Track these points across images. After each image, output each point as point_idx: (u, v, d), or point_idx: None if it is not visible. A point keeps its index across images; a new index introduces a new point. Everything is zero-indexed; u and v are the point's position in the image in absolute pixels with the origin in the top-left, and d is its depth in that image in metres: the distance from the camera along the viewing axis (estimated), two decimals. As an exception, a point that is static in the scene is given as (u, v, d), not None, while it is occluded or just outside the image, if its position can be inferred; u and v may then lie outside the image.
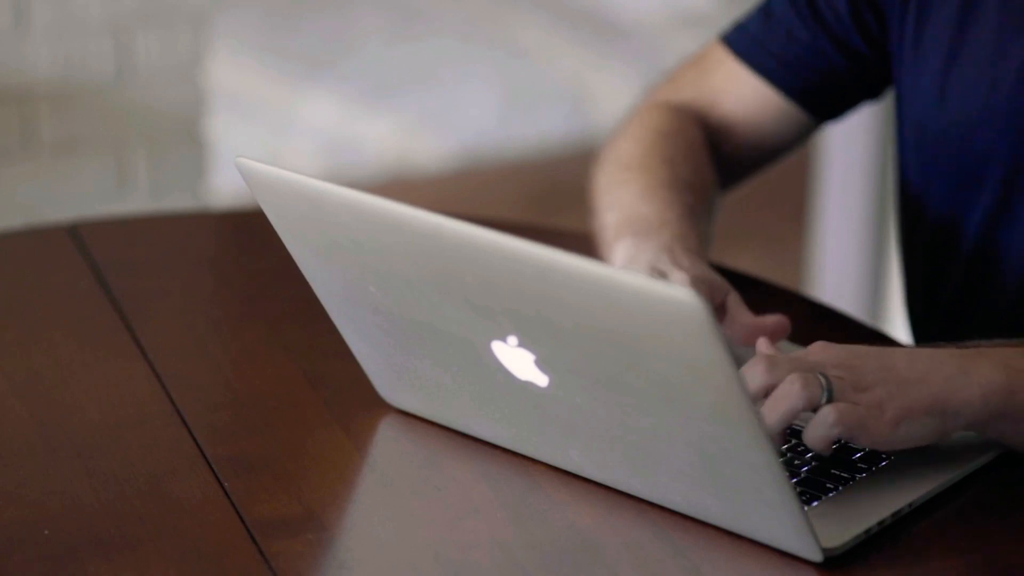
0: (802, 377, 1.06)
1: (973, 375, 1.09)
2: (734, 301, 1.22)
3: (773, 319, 1.21)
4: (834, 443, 1.08)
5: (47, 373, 1.28)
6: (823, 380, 1.07)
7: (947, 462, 1.11)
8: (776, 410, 1.06)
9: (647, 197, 1.33)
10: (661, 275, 1.21)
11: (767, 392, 1.07)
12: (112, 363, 1.29)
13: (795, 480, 1.09)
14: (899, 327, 2.58)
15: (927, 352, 1.11)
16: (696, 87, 1.48)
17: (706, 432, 1.00)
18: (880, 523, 1.06)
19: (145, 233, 1.60)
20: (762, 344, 1.14)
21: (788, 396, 1.06)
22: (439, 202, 3.41)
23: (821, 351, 1.10)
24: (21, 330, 1.36)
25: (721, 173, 1.46)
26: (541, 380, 1.06)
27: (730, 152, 1.47)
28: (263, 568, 1.04)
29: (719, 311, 1.22)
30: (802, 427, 1.12)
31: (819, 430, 1.06)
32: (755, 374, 1.08)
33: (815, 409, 1.07)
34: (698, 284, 1.19)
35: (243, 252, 1.57)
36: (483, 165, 3.95)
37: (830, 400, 1.06)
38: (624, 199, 1.34)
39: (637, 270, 1.22)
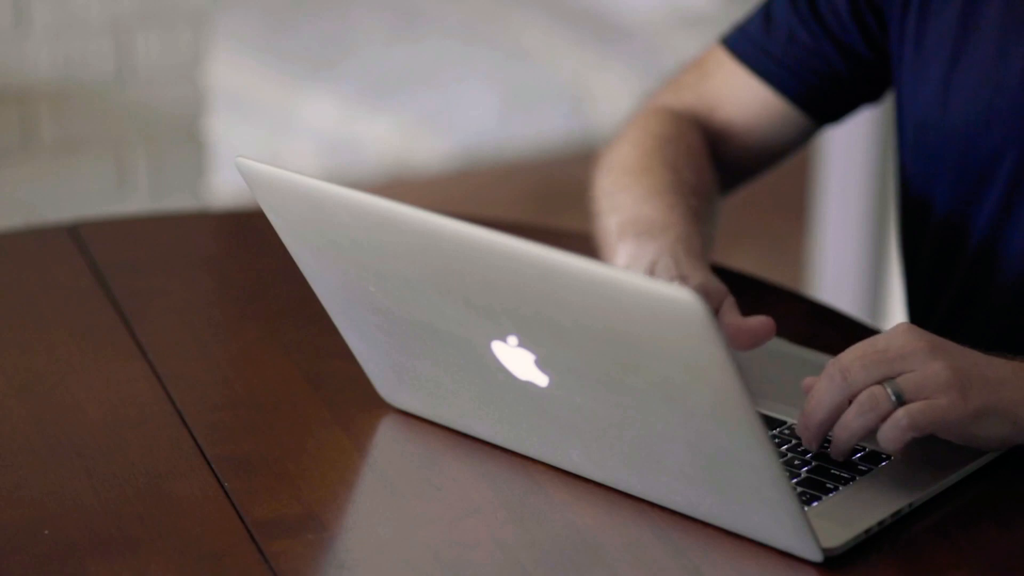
0: (872, 396, 1.07)
1: None
2: (728, 305, 1.22)
3: (757, 320, 1.20)
4: (906, 444, 1.09)
5: (47, 373, 1.28)
6: (890, 391, 1.07)
7: (947, 462, 1.11)
8: (846, 431, 1.08)
9: (650, 200, 1.33)
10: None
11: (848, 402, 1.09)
12: (112, 363, 1.29)
13: (795, 480, 1.09)
14: (899, 327, 2.57)
15: (1004, 360, 1.12)
16: (696, 91, 1.48)
17: (706, 432, 1.00)
18: (880, 523, 1.06)
19: (145, 233, 1.60)
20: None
21: (857, 415, 1.08)
22: (439, 202, 3.42)
23: (904, 333, 1.10)
24: (21, 330, 1.36)
25: (722, 177, 1.46)
26: (541, 380, 1.06)
27: (731, 156, 1.47)
28: (263, 568, 1.04)
29: None
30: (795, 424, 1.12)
31: (892, 432, 1.07)
32: (833, 389, 1.08)
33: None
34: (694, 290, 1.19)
35: (243, 252, 1.57)
36: (483, 165, 3.95)
37: (900, 403, 1.07)
38: (627, 202, 1.34)
39: (637, 271, 1.22)
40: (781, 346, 1.26)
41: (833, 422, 1.09)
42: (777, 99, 1.45)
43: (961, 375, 1.08)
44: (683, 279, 1.21)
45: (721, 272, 1.36)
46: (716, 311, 1.21)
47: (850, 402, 1.09)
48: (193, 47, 2.57)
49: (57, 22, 2.48)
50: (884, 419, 1.07)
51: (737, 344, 1.19)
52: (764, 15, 1.45)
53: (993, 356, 1.12)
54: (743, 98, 1.46)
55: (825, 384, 1.09)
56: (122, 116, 2.56)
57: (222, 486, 1.12)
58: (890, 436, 1.07)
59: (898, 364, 1.08)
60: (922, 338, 1.10)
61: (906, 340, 1.09)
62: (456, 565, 1.05)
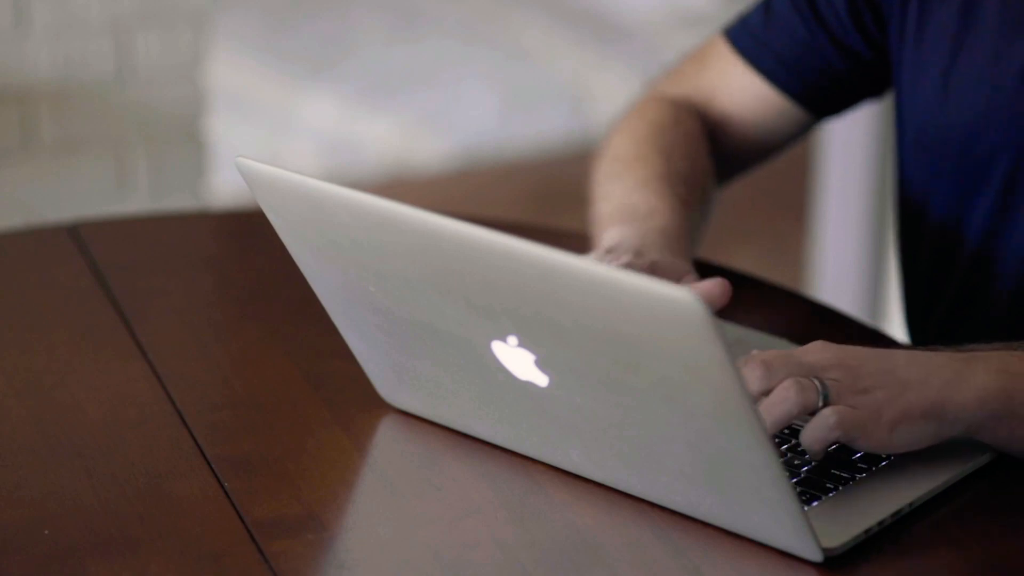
0: (798, 382, 1.06)
1: (970, 379, 1.09)
2: (687, 281, 1.20)
3: (710, 282, 1.17)
4: (829, 446, 1.08)
5: (47, 373, 1.27)
6: (819, 384, 1.06)
7: (947, 462, 1.11)
8: (771, 415, 1.06)
9: (639, 189, 1.33)
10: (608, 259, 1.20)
11: (764, 395, 1.07)
12: (112, 363, 1.29)
13: (795, 480, 1.09)
14: (899, 327, 2.58)
15: (925, 355, 1.10)
16: (696, 81, 1.48)
17: (706, 432, 1.00)
18: (880, 523, 1.06)
19: (145, 233, 1.60)
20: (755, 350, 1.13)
21: (784, 401, 1.06)
22: (439, 202, 3.42)
23: (819, 351, 1.09)
24: (21, 330, 1.36)
25: (720, 167, 1.46)
26: (541, 380, 1.06)
27: (729, 146, 1.47)
28: (263, 568, 1.04)
29: None
30: (801, 427, 1.12)
31: (818, 431, 1.06)
32: (752, 379, 1.07)
33: (812, 413, 1.07)
34: (640, 266, 1.18)
35: (243, 252, 1.57)
36: (483, 165, 3.95)
37: (826, 404, 1.06)
38: (616, 190, 1.35)
39: (596, 259, 1.21)
40: (781, 346, 1.26)
41: None
42: (775, 94, 1.45)
43: (875, 391, 1.07)
44: (638, 258, 1.19)
45: (722, 272, 1.36)
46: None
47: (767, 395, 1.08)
48: (193, 47, 2.57)
49: (57, 22, 2.48)
50: (808, 409, 1.06)
51: None
52: (765, 9, 1.45)
53: (918, 351, 1.11)
54: (741, 91, 1.46)
55: (745, 375, 1.07)
56: (122, 116, 2.56)
57: (222, 486, 1.12)
58: (816, 435, 1.06)
59: (816, 375, 1.08)
60: (836, 353, 1.08)
61: (822, 355, 1.08)
62: (456, 565, 1.05)
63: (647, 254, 1.22)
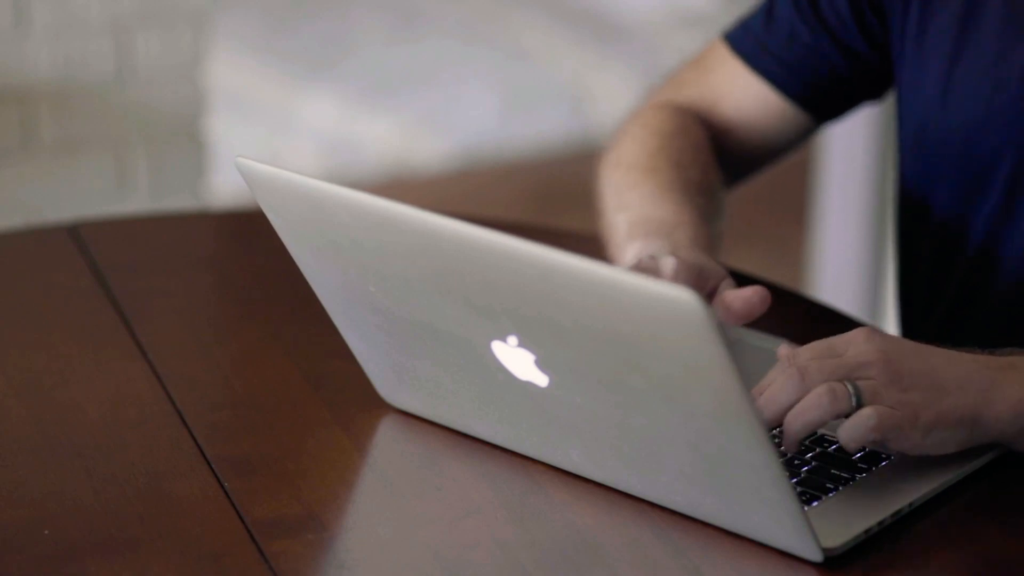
0: (831, 389, 1.06)
1: (1005, 390, 1.09)
2: (725, 285, 1.21)
3: (750, 289, 1.17)
4: (865, 446, 1.08)
5: (47, 373, 1.28)
6: (851, 388, 1.06)
7: (947, 462, 1.11)
8: (801, 418, 1.06)
9: (659, 199, 1.32)
10: (652, 262, 1.19)
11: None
12: (112, 363, 1.29)
13: (795, 480, 1.09)
14: (897, 327, 2.57)
15: (964, 358, 1.10)
16: (698, 87, 1.48)
17: (706, 432, 1.00)
18: (880, 523, 1.06)
19: (145, 233, 1.60)
20: (783, 349, 1.12)
21: (816, 407, 1.06)
22: (439, 202, 3.42)
23: (862, 343, 1.09)
24: (21, 330, 1.36)
25: (723, 173, 1.46)
26: (541, 380, 1.06)
27: (732, 152, 1.47)
28: (263, 568, 1.04)
29: (710, 297, 1.20)
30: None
31: (856, 431, 1.06)
32: (788, 388, 1.07)
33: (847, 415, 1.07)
34: (687, 268, 1.18)
35: (243, 252, 1.57)
36: (483, 165, 3.95)
37: (859, 406, 1.06)
38: (635, 201, 1.33)
39: (632, 266, 1.22)
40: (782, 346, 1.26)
41: (782, 420, 1.08)
42: (777, 97, 1.45)
43: (913, 392, 1.07)
44: (672, 258, 1.19)
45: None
46: (713, 291, 1.20)
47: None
48: (193, 47, 2.57)
49: (57, 22, 2.48)
50: (839, 416, 1.06)
51: (733, 314, 1.17)
52: (766, 12, 1.45)
53: (960, 352, 1.11)
54: (743, 96, 1.46)
55: (781, 382, 1.08)
56: (122, 116, 2.57)
57: (222, 486, 1.12)
58: (854, 434, 1.06)
59: (855, 372, 1.07)
60: (880, 347, 1.08)
61: (865, 348, 1.08)
62: (456, 565, 1.05)
63: (679, 252, 1.21)
